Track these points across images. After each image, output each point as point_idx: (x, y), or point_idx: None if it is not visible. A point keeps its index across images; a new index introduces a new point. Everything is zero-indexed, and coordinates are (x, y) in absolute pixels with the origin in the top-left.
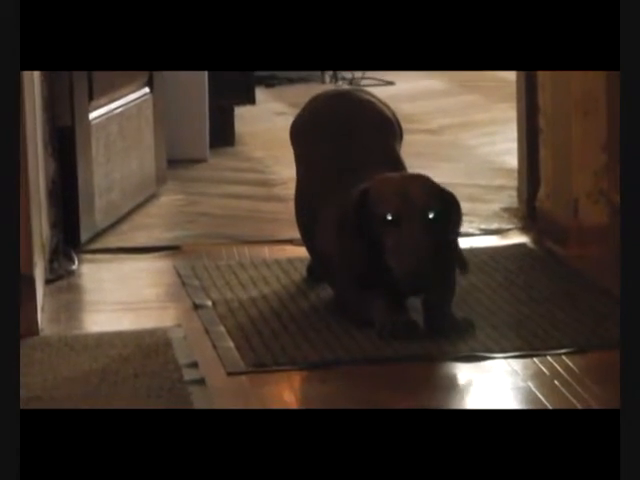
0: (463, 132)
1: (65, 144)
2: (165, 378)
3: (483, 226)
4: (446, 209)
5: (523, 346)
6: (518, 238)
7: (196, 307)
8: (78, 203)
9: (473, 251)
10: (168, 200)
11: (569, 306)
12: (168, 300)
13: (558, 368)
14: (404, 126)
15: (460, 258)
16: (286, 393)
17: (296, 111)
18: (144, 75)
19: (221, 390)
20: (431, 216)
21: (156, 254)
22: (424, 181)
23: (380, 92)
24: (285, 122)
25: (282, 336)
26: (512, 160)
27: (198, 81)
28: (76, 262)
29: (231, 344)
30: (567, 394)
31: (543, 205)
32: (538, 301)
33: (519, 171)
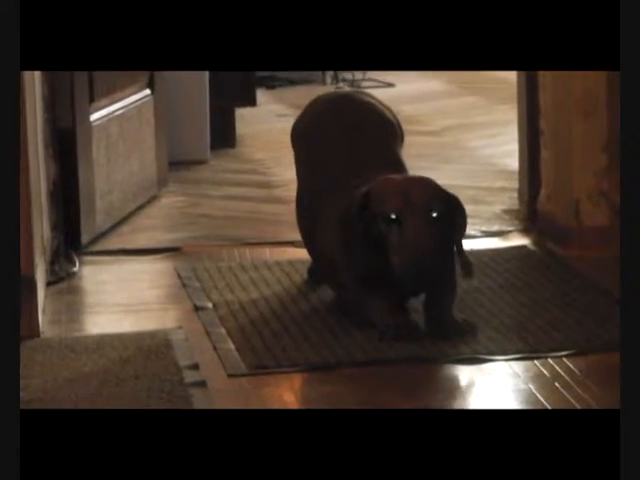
0: (464, 134)
1: (66, 146)
2: (166, 380)
3: (484, 228)
4: (449, 211)
5: (524, 348)
6: (519, 240)
7: (197, 309)
8: (79, 205)
9: (474, 253)
10: (169, 202)
11: (570, 308)
12: (169, 302)
13: (559, 370)
14: (405, 128)
15: (465, 262)
16: (287, 395)
17: (297, 113)
18: (145, 77)
19: (222, 392)
20: (434, 215)
21: (157, 256)
22: (427, 182)
23: (381, 94)
24: (286, 124)
25: (283, 338)
26: (513, 162)
27: (199, 83)
28: (77, 264)
29: (232, 346)
30: (568, 396)
31: (544, 207)
32: (539, 303)
33: (520, 173)
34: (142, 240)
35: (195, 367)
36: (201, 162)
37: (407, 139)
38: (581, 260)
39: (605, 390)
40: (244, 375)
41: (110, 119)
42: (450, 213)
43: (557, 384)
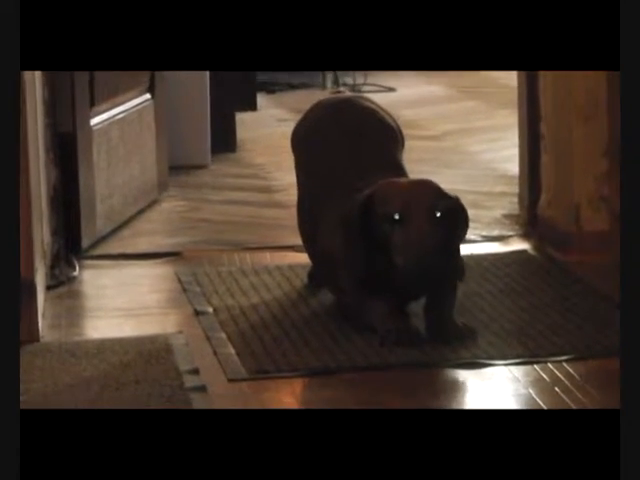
0: (464, 138)
1: (66, 150)
2: (166, 385)
3: (484, 233)
4: (452, 214)
5: (524, 353)
6: (519, 245)
7: (197, 313)
8: (79, 209)
9: (474, 258)
10: (169, 206)
11: (570, 313)
12: (169, 306)
13: (559, 375)
14: (405, 132)
15: (459, 265)
16: (287, 399)
17: (297, 117)
18: (145, 81)
19: (222, 396)
20: (438, 215)
21: (157, 260)
22: (430, 183)
23: (381, 98)
24: (287, 128)
25: (283, 342)
26: (513, 166)
27: (199, 87)
28: (77, 268)
29: (232, 350)
30: (567, 400)
31: (544, 211)
32: (539, 308)
33: (520, 177)
34: (142, 244)
35: (195, 372)
36: (202, 166)
37: (407, 143)
38: (581, 265)
39: (605, 395)
40: (244, 380)
41: (111, 123)
42: (453, 215)
43: (557, 389)
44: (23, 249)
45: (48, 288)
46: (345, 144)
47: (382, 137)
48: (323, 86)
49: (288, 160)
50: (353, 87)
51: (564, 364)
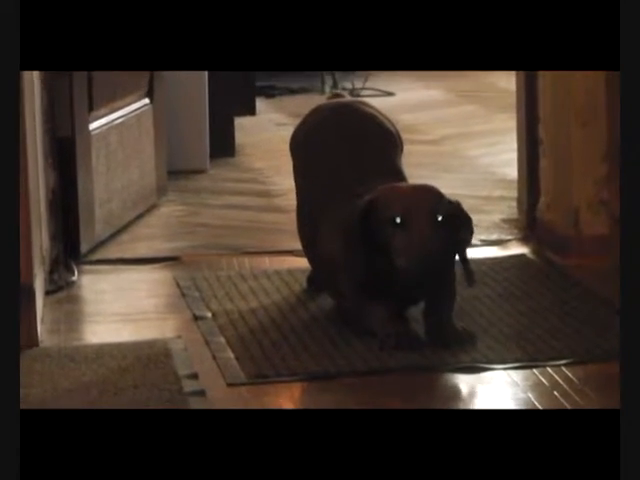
0: (463, 142)
1: (65, 155)
2: (165, 389)
3: (483, 237)
4: (453, 218)
5: (523, 357)
6: (518, 249)
7: (196, 318)
8: (78, 214)
9: (473, 262)
10: (168, 211)
11: (569, 317)
12: (168, 311)
13: (558, 379)
14: (404, 137)
15: (469, 270)
16: (286, 404)
17: (296, 121)
18: (144, 86)
19: (221, 401)
20: (439, 219)
21: (156, 265)
22: (432, 188)
23: (380, 103)
24: (286, 132)
25: (282, 347)
26: (512, 170)
27: (198, 91)
28: (76, 273)
29: (231, 355)
30: (566, 405)
31: (543, 215)
32: (538, 312)
33: (519, 181)
34: (141, 249)
35: (194, 376)
36: (200, 171)
37: (406, 148)
38: (580, 269)
39: (603, 398)
40: (243, 384)
41: (109, 128)
42: (454, 220)
43: (556, 393)
44: (22, 254)
45: (47, 293)
46: (344, 149)
47: (381, 142)
48: (322, 91)
49: (287, 164)
50: (352, 91)
51: (563, 368)
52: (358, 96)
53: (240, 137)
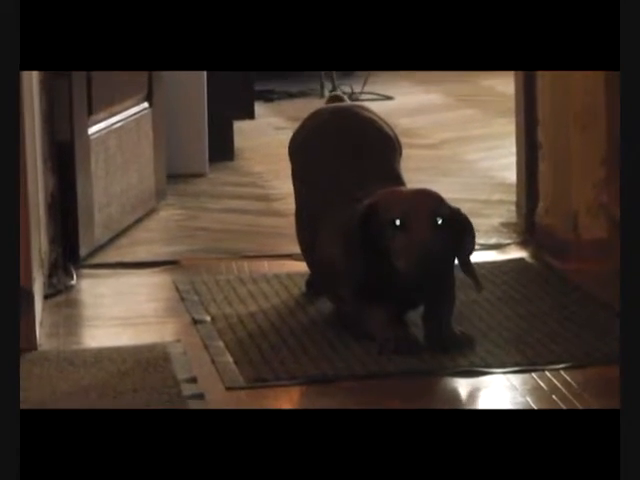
0: (462, 146)
1: (64, 159)
2: (164, 393)
3: (482, 241)
4: (453, 222)
5: (522, 361)
6: (517, 253)
7: (195, 322)
8: (77, 217)
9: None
10: (167, 215)
11: (568, 321)
12: (167, 315)
13: (556, 383)
14: (403, 141)
15: (474, 276)
16: (285, 407)
17: (295, 125)
18: (143, 90)
19: (220, 405)
20: (439, 222)
21: (155, 269)
22: (432, 192)
23: (379, 107)
24: (284, 136)
25: (281, 351)
26: (511, 174)
27: (197, 95)
28: (75, 277)
29: (230, 359)
30: (565, 409)
31: (542, 219)
32: (537, 316)
33: (518, 185)
34: (140, 253)
35: (193, 380)
36: (199, 175)
37: (405, 152)
38: (579, 273)
39: (603, 403)
40: (242, 388)
41: (108, 132)
42: (454, 223)
43: (554, 397)
44: (21, 258)
45: (46, 297)
46: (342, 153)
47: (380, 146)
48: (321, 94)
49: (286, 168)
50: (351, 95)
51: (562, 372)
52: (357, 100)
53: (239, 141)
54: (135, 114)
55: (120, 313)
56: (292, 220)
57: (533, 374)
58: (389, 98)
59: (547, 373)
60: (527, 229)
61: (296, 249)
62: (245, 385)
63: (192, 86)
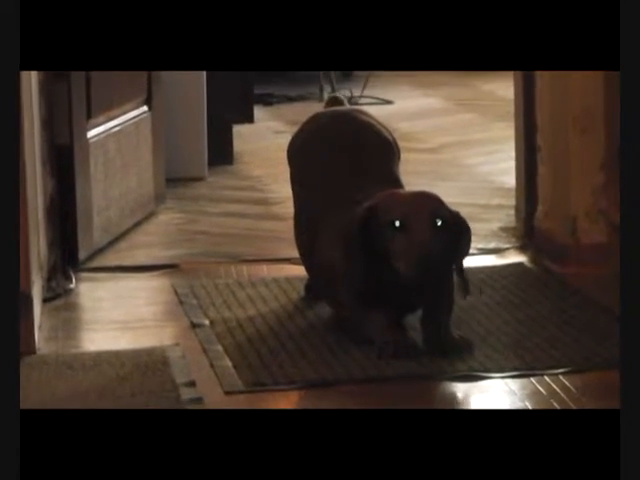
0: (461, 151)
1: (63, 162)
2: (163, 397)
3: (481, 245)
4: (452, 225)
5: (521, 365)
6: (516, 257)
7: (194, 326)
8: (76, 221)
9: (471, 270)
10: (166, 218)
11: (567, 325)
12: (166, 319)
13: (555, 388)
14: (402, 145)
15: (464, 280)
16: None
17: (294, 129)
18: (142, 93)
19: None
20: (439, 223)
21: (154, 273)
22: (431, 194)
23: (378, 111)
24: (284, 140)
25: (280, 355)
26: (510, 179)
27: (197, 99)
28: (74, 280)
29: (229, 363)
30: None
31: (541, 224)
32: (536, 320)
33: (517, 190)
34: (139, 257)
35: (192, 384)
36: (199, 179)
37: (404, 156)
38: (578, 277)
39: (601, 407)
40: (241, 392)
41: (107, 135)
42: (453, 226)
43: (553, 401)
44: (20, 261)
45: (45, 300)
46: (341, 157)
47: (378, 150)
48: (320, 98)
49: (285, 172)
50: (350, 99)
51: (561, 377)
52: (356, 104)
53: (238, 145)
54: (134, 118)
55: (119, 317)
56: (291, 224)
57: (532, 379)
58: (388, 102)
59: (546, 378)
60: (526, 233)
61: (295, 253)
62: (244, 389)
63: (191, 90)
